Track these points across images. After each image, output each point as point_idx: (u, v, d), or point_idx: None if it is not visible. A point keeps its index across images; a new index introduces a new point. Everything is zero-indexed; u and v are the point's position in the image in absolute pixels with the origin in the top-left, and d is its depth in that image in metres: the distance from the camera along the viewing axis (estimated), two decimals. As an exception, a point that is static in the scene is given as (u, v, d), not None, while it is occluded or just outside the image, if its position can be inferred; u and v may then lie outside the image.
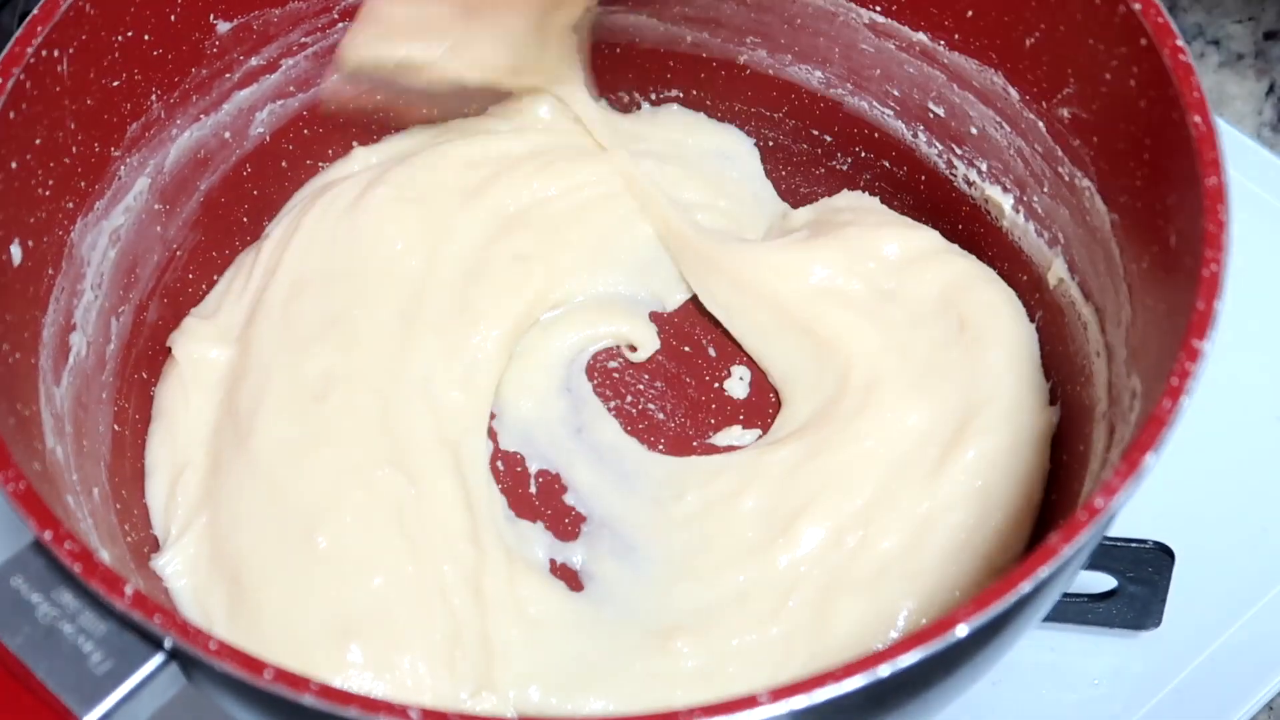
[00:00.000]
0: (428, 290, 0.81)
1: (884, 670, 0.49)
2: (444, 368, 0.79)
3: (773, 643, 0.70)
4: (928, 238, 0.82)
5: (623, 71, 0.89)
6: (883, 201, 0.86)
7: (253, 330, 0.79)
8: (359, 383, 0.77)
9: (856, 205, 0.86)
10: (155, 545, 0.73)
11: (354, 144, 0.87)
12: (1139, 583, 0.74)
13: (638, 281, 0.86)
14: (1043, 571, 0.51)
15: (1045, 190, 0.74)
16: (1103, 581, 0.74)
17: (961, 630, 0.50)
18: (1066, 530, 0.52)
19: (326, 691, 0.49)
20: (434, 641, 0.70)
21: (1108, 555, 0.72)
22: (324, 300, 0.80)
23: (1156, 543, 0.72)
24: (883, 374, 0.77)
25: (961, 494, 0.72)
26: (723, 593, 0.72)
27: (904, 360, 0.77)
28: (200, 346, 0.79)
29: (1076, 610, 0.75)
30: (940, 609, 0.69)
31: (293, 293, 0.80)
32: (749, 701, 0.48)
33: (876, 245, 0.81)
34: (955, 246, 0.81)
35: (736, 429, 0.82)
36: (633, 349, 0.84)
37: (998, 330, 0.77)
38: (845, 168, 0.88)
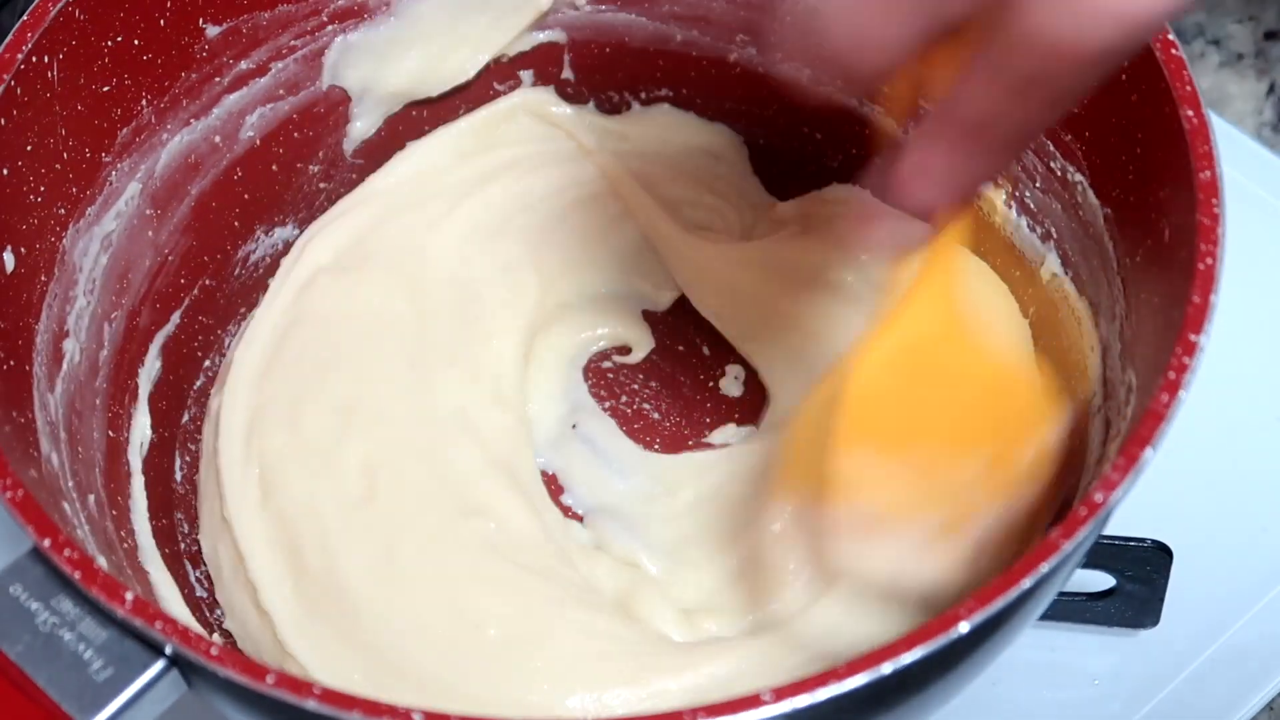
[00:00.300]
0: (425, 325, 0.80)
1: (887, 668, 0.49)
2: (474, 391, 0.79)
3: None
4: (919, 229, 0.82)
5: (612, 71, 0.89)
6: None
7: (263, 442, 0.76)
8: (396, 460, 0.75)
9: (845, 197, 0.86)
10: (150, 553, 0.73)
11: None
12: (1137, 581, 0.74)
13: (629, 281, 0.86)
14: (1043, 567, 0.51)
15: (1037, 185, 0.74)
16: (1101, 580, 0.74)
17: (963, 627, 0.50)
18: (1066, 526, 0.52)
19: (330, 696, 0.49)
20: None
21: (1105, 554, 0.72)
22: (325, 391, 0.78)
23: (1154, 541, 0.72)
24: (874, 367, 0.77)
25: (956, 489, 0.72)
26: (719, 576, 0.72)
27: (895, 354, 0.77)
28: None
29: (1075, 609, 0.75)
30: (936, 604, 0.69)
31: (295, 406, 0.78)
32: (752, 701, 0.48)
33: (868, 236, 0.81)
34: (947, 239, 0.81)
35: (731, 427, 0.82)
36: (627, 349, 0.84)
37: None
38: (836, 165, 0.88)
